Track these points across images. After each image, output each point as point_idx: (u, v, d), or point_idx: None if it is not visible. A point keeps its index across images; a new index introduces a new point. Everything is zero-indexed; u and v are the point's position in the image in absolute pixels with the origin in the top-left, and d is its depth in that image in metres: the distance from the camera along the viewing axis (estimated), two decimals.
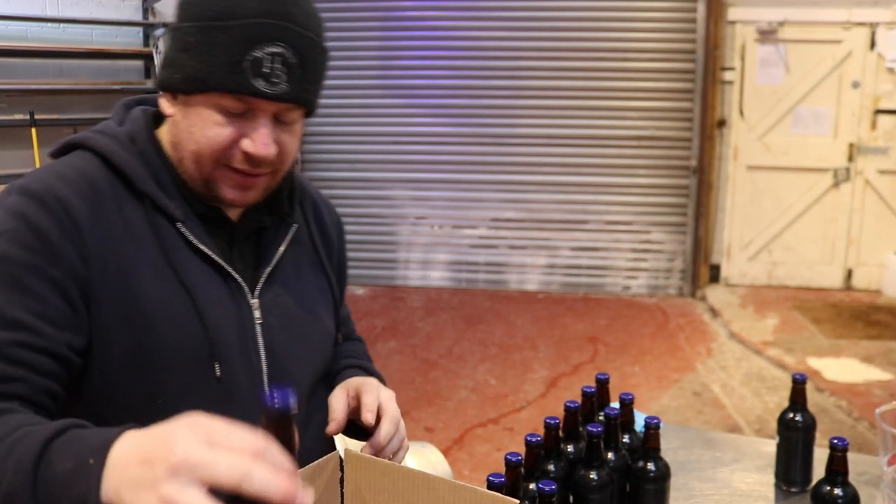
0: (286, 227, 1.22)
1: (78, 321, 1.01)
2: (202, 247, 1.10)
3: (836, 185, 6.15)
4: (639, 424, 1.36)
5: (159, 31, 4.77)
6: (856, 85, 6.01)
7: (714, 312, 5.75)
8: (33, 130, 4.10)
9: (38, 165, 4.12)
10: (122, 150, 1.09)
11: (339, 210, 1.42)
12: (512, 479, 1.07)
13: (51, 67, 4.47)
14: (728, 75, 6.12)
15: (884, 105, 6.02)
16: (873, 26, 5.92)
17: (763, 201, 6.26)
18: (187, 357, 1.07)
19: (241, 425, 0.69)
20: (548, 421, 1.24)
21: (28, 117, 4.09)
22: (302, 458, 0.80)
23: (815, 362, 4.73)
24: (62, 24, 4.47)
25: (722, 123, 6.18)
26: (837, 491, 1.28)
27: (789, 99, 6.09)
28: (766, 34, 6.03)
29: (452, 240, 6.42)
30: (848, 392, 4.28)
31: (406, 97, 6.28)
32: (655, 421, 1.29)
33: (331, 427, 1.15)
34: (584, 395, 1.35)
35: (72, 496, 0.76)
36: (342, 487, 1.09)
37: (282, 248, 1.19)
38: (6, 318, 0.96)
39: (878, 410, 1.45)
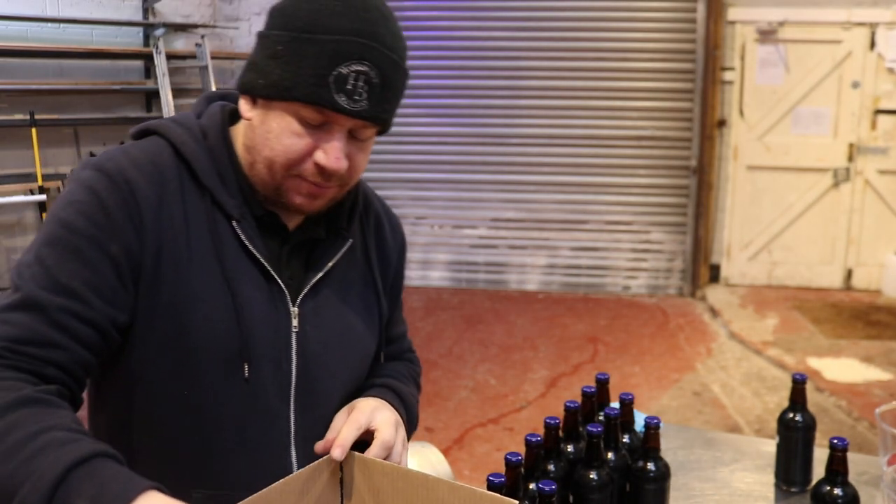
0: (341, 241, 1.21)
1: (125, 299, 1.04)
2: (252, 248, 1.11)
3: (836, 185, 6.15)
4: (639, 424, 1.36)
5: (159, 31, 4.77)
6: (856, 85, 6.01)
7: (714, 312, 5.75)
8: (33, 130, 4.10)
9: (38, 165, 4.12)
10: (192, 142, 1.12)
11: None
12: (512, 479, 1.07)
13: (51, 67, 4.47)
14: (728, 75, 6.12)
15: (884, 105, 6.02)
16: (873, 26, 5.92)
17: (763, 201, 6.26)
18: (218, 353, 1.08)
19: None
20: (548, 421, 1.23)
21: (28, 117, 4.09)
22: None
23: (814, 362, 4.73)
24: (62, 24, 4.47)
25: (722, 123, 6.18)
26: (837, 491, 1.28)
27: (789, 99, 6.09)
28: (766, 34, 6.03)
29: (452, 240, 6.42)
30: (848, 392, 4.28)
31: (406, 97, 6.26)
32: (655, 421, 1.29)
33: (317, 446, 1.12)
34: (584, 395, 1.35)
35: None
36: (342, 488, 1.09)
37: (332, 262, 1.19)
38: (60, 283, 0.99)
39: (878, 410, 1.45)
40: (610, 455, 1.27)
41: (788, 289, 6.27)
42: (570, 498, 1.24)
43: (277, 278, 1.13)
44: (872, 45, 5.95)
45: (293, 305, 1.15)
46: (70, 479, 0.81)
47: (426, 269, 6.43)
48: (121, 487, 0.79)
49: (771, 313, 5.70)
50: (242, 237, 1.10)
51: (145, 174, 1.06)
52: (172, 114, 4.62)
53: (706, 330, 5.39)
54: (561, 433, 1.26)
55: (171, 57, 4.85)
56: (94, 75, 4.69)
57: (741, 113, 6.17)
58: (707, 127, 6.05)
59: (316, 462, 1.05)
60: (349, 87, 1.03)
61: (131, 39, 4.88)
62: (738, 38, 6.08)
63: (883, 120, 6.03)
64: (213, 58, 5.02)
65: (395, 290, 1.36)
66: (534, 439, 1.18)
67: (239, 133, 1.15)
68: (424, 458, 1.80)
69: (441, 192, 6.40)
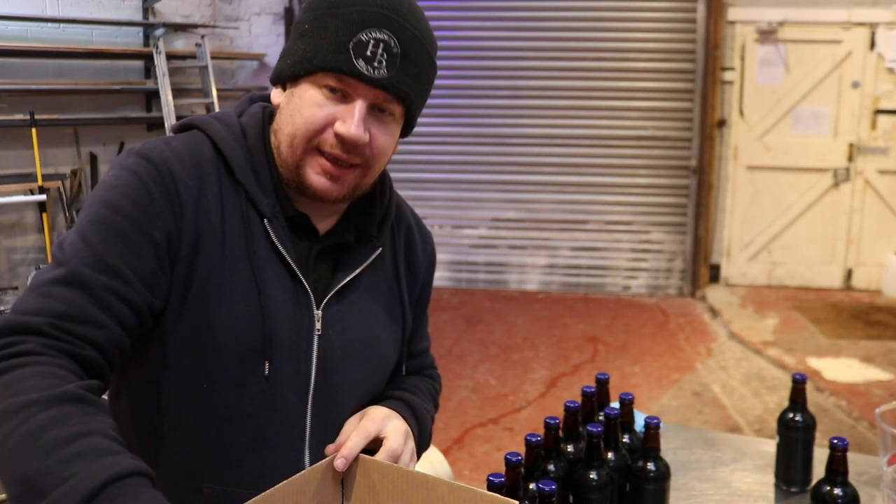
0: (370, 248, 1.21)
1: (163, 285, 1.05)
2: (280, 248, 1.12)
3: (836, 185, 6.15)
4: (639, 424, 1.36)
5: (159, 31, 4.77)
6: (856, 85, 6.01)
7: (714, 312, 5.75)
8: (33, 130, 4.10)
9: (38, 165, 4.12)
10: (231, 139, 1.13)
11: None
12: (512, 479, 1.07)
13: (51, 67, 4.47)
14: (728, 75, 6.12)
15: (884, 105, 6.02)
16: (873, 26, 5.92)
17: (763, 201, 6.26)
18: (241, 348, 1.09)
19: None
20: (548, 421, 1.24)
21: (28, 117, 4.08)
22: None
23: (814, 362, 4.73)
24: (62, 24, 4.46)
25: (722, 123, 6.18)
26: (837, 491, 1.28)
27: (789, 99, 6.10)
28: (766, 34, 6.03)
29: (452, 240, 6.42)
30: (848, 392, 4.28)
31: None
32: (655, 421, 1.29)
33: (328, 449, 1.12)
34: (584, 395, 1.35)
35: None
36: (342, 488, 1.09)
37: (360, 269, 1.19)
38: (105, 262, 0.99)
39: (878, 410, 1.45)
40: (610, 455, 1.27)
41: (788, 289, 6.27)
42: (570, 498, 1.24)
43: (304, 280, 1.13)
44: (872, 45, 5.95)
45: (317, 308, 1.15)
46: (105, 494, 0.80)
47: None
48: None
49: (771, 313, 5.70)
50: (273, 236, 1.11)
51: (187, 167, 1.08)
52: (172, 114, 4.62)
53: (706, 330, 5.39)
54: (561, 433, 1.26)
55: (171, 57, 4.85)
56: (94, 75, 4.69)
57: (741, 113, 6.17)
58: (707, 127, 6.05)
59: (317, 463, 1.05)
60: (369, 53, 1.04)
61: (131, 39, 4.88)
62: (738, 38, 6.08)
63: (883, 120, 6.03)
64: (213, 58, 5.02)
65: (422, 304, 1.36)
66: (534, 439, 1.18)
67: (274, 129, 1.16)
68: (424, 458, 1.80)
69: (441, 192, 6.40)
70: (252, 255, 1.10)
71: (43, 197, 4.15)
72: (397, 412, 1.20)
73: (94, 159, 4.64)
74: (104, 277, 0.98)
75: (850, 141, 6.07)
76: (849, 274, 6.25)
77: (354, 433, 1.11)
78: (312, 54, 1.06)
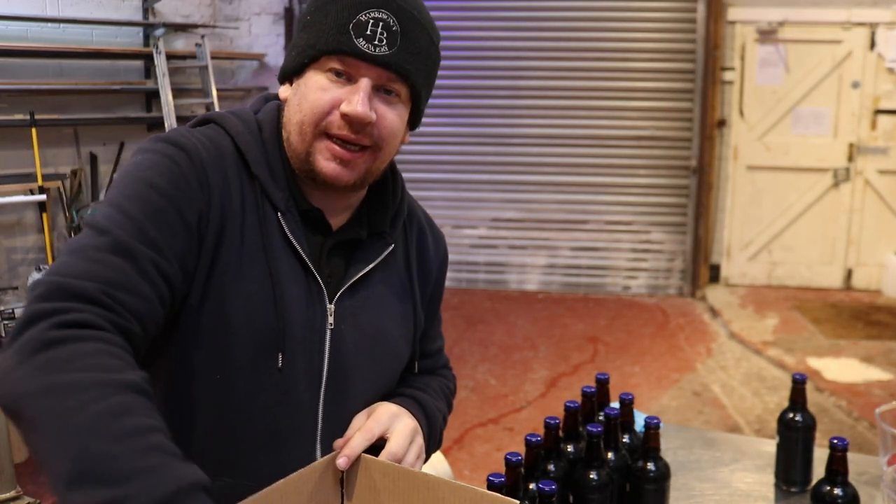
0: (382, 244, 1.22)
1: (190, 269, 1.05)
2: (294, 241, 1.12)
3: (836, 185, 6.15)
4: (639, 424, 1.36)
5: (159, 31, 4.77)
6: (856, 85, 6.01)
7: (714, 312, 5.75)
8: (33, 130, 4.10)
9: (38, 165, 4.11)
10: (248, 133, 1.14)
11: None
12: (512, 479, 1.07)
13: (51, 67, 4.46)
14: (728, 75, 6.12)
15: (884, 105, 6.02)
16: (873, 26, 5.92)
17: (763, 201, 6.26)
18: (254, 339, 1.09)
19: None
20: (548, 421, 1.24)
21: (28, 117, 4.08)
22: None
23: (814, 362, 4.73)
24: (62, 24, 4.46)
25: (722, 123, 6.18)
26: (837, 491, 1.28)
27: (789, 99, 6.09)
28: (766, 34, 6.03)
29: (452, 240, 6.42)
30: (848, 392, 4.28)
31: None
32: (655, 421, 1.29)
33: (336, 444, 1.12)
34: (584, 395, 1.35)
35: None
36: (342, 487, 1.09)
37: (372, 264, 1.20)
38: (148, 236, 0.99)
39: (878, 410, 1.45)
40: (610, 455, 1.27)
41: (788, 289, 6.27)
42: (570, 498, 1.24)
43: (316, 274, 1.14)
44: (872, 45, 5.95)
45: (330, 303, 1.15)
46: (177, 501, 0.78)
47: None
48: None
49: (771, 313, 5.70)
50: (286, 230, 1.12)
51: (211, 158, 1.09)
52: (172, 114, 4.62)
53: (706, 330, 5.39)
54: (561, 433, 1.26)
55: (171, 57, 4.85)
56: (94, 75, 4.69)
57: (741, 113, 6.17)
58: (707, 127, 6.05)
59: (317, 461, 1.05)
60: (369, 32, 1.06)
61: (131, 39, 4.88)
62: (738, 38, 6.08)
63: (883, 120, 6.03)
64: (213, 58, 5.02)
65: (434, 303, 1.36)
66: (534, 439, 1.18)
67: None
68: None
69: (441, 192, 6.40)
70: (267, 248, 1.10)
71: (43, 197, 4.15)
72: (406, 409, 1.19)
73: (94, 159, 4.64)
74: (149, 250, 0.98)
75: (850, 141, 6.07)
76: (849, 274, 6.25)
77: (359, 433, 1.11)
78: (315, 41, 1.08)
